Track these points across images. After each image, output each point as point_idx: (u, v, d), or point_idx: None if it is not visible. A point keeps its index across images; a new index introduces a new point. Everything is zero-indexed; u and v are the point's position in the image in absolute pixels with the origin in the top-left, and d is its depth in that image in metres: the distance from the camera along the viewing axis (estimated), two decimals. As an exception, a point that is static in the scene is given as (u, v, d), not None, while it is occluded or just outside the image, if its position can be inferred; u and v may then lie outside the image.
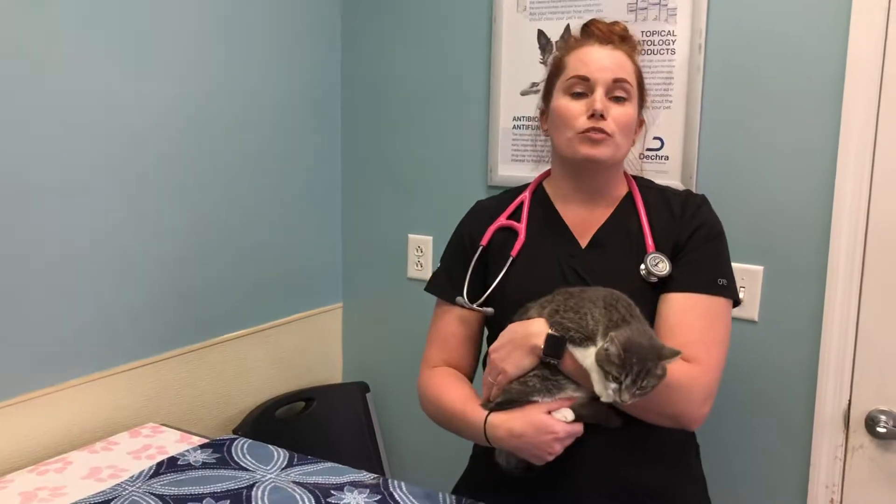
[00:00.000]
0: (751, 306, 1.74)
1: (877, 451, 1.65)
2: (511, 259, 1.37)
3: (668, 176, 1.79)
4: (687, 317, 1.26)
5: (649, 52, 1.79)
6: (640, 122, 1.41)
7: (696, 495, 1.41)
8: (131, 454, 1.53)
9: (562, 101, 1.33)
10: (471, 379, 1.44)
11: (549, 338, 1.19)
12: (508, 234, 1.41)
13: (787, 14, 1.64)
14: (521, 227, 1.40)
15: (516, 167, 1.98)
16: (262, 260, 2.05)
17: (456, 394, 1.35)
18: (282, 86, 2.05)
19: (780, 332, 1.72)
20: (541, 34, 1.91)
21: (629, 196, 1.40)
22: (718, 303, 1.29)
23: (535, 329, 1.22)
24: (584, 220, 1.39)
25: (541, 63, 1.92)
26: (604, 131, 1.29)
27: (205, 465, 1.44)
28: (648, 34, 1.79)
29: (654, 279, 1.29)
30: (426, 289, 1.50)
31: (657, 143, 1.81)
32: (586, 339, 1.18)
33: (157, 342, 1.78)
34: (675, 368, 1.18)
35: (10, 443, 1.50)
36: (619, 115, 1.31)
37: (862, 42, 1.56)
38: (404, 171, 2.18)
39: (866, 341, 1.63)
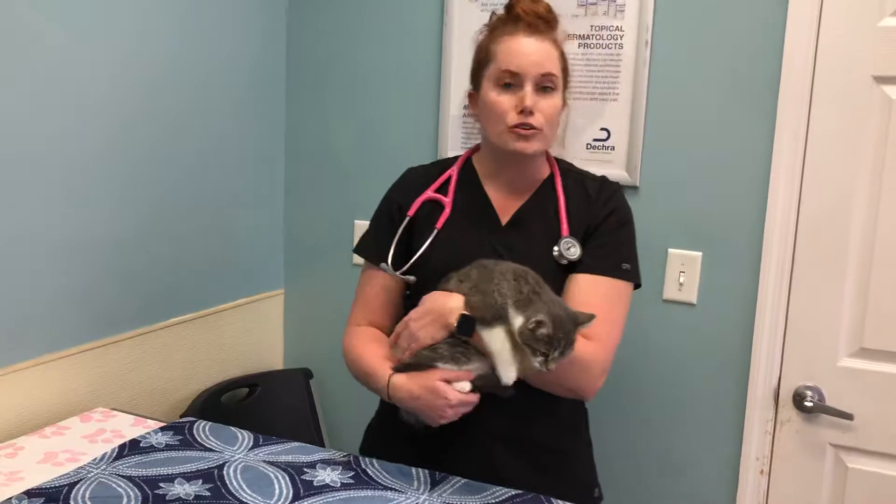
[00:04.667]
0: (690, 290, 1.84)
1: (803, 424, 1.77)
2: (436, 231, 1.43)
3: (613, 165, 1.88)
4: (591, 297, 1.35)
5: (598, 45, 1.86)
6: (564, 103, 1.45)
7: (584, 455, 1.54)
8: (86, 438, 1.49)
9: (492, 95, 1.38)
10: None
11: (462, 317, 1.26)
12: (435, 206, 1.47)
13: (728, 13, 1.75)
14: (448, 200, 1.46)
15: (466, 154, 2.01)
16: (204, 245, 2.02)
17: (371, 353, 1.42)
18: (224, 69, 2.02)
19: (716, 314, 1.83)
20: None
21: (550, 179, 1.48)
22: (620, 285, 1.40)
23: (451, 305, 1.28)
24: (506, 199, 1.46)
25: (491, 53, 1.96)
26: (533, 126, 1.35)
27: (168, 447, 1.42)
28: (597, 28, 1.86)
29: (565, 262, 1.39)
30: (354, 249, 1.57)
31: (604, 134, 1.89)
32: (495, 320, 1.24)
33: (101, 326, 1.73)
34: (577, 345, 1.26)
35: (-46, 429, 1.44)
36: (546, 107, 1.36)
37: (796, 43, 1.68)
38: (351, 156, 2.19)
39: (795, 323, 1.76)
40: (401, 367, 1.34)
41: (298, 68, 2.23)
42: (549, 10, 1.42)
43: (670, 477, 1.91)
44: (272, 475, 1.32)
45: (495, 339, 1.25)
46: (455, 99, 2.02)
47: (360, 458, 1.40)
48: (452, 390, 1.26)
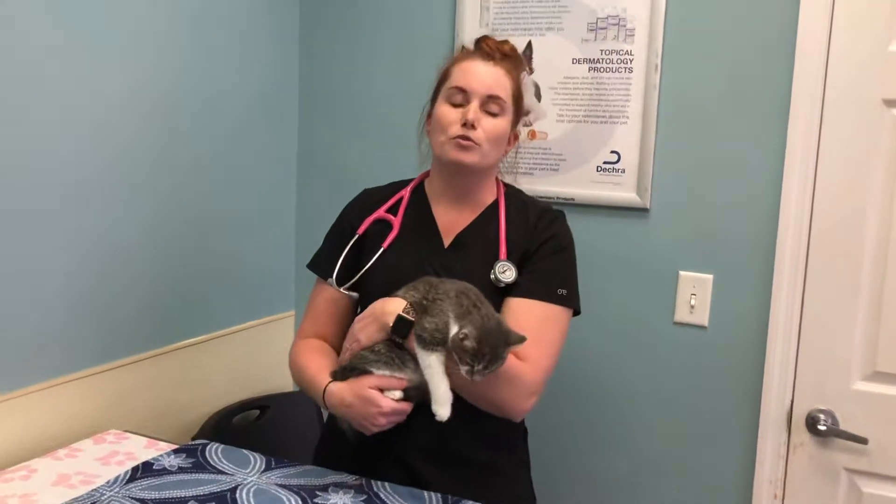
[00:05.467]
0: (701, 312, 1.84)
1: (816, 448, 1.76)
2: (381, 250, 1.48)
3: (623, 188, 1.89)
4: (524, 320, 1.36)
5: (608, 69, 1.88)
6: (515, 136, 1.52)
7: (519, 475, 1.53)
8: (99, 460, 1.49)
9: (442, 108, 1.44)
10: (338, 353, 1.51)
11: (398, 318, 1.28)
12: (384, 225, 1.51)
13: (738, 38, 1.76)
14: (396, 221, 1.50)
15: (477, 177, 2.03)
16: (216, 267, 2.03)
17: (313, 363, 1.45)
18: (238, 91, 2.04)
19: (728, 337, 1.82)
20: (503, 49, 1.97)
21: (495, 204, 1.51)
22: (555, 310, 1.41)
23: (391, 308, 1.31)
24: (451, 222, 1.49)
25: (502, 77, 1.98)
26: (472, 140, 1.39)
27: (181, 470, 1.42)
28: (607, 52, 1.87)
29: (501, 285, 1.40)
30: (307, 265, 1.59)
31: (614, 157, 1.90)
32: (434, 343, 1.25)
33: (114, 349, 1.74)
34: (507, 363, 1.28)
35: (-31, 451, 1.45)
36: (489, 126, 1.41)
37: (806, 67, 1.69)
38: (362, 178, 2.18)
39: (807, 345, 1.75)
40: (337, 372, 1.37)
41: (311, 90, 2.25)
42: (513, 49, 1.50)
43: (684, 501, 1.90)
44: (284, 498, 1.32)
45: (432, 366, 1.26)
46: (466, 122, 2.03)
47: (373, 482, 1.39)
48: (385, 398, 1.28)
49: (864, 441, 1.69)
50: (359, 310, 1.51)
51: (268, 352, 2.24)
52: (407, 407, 1.29)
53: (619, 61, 1.87)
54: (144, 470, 1.41)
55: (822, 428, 1.73)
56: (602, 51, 1.88)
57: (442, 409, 1.25)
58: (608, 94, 1.89)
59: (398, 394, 1.29)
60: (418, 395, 1.29)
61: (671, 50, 1.82)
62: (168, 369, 1.89)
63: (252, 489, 1.35)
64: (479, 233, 1.47)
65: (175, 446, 1.56)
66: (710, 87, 1.80)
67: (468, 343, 1.21)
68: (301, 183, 2.29)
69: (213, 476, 1.40)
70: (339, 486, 1.37)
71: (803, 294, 1.74)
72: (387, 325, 1.30)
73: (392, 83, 2.14)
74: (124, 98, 1.71)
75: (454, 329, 1.24)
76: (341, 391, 1.33)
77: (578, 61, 1.90)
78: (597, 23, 1.88)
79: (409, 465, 1.42)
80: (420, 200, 1.53)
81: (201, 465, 1.45)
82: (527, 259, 1.43)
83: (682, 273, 1.85)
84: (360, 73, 2.18)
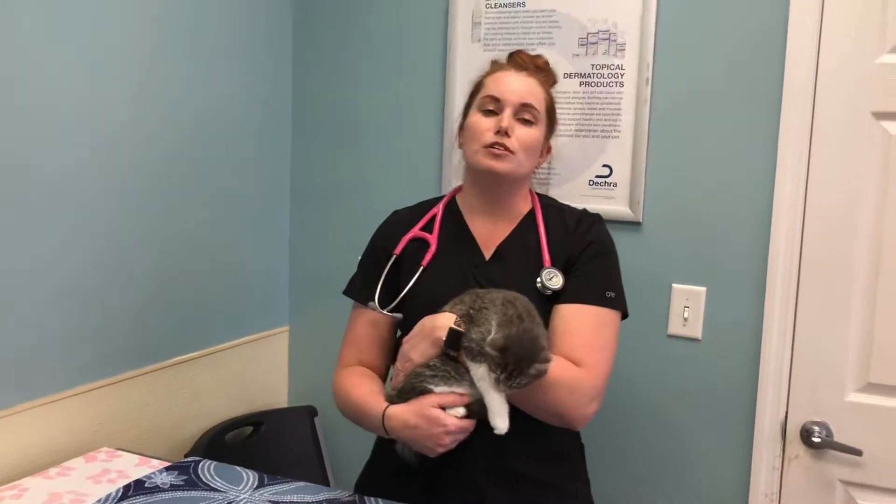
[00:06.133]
0: (694, 325, 1.84)
1: (811, 460, 1.76)
2: (422, 268, 1.46)
3: (615, 202, 1.89)
4: (574, 324, 1.37)
5: (599, 84, 1.89)
6: (548, 149, 1.52)
7: (579, 492, 1.51)
8: (90, 479, 1.48)
9: (474, 117, 1.44)
10: (383, 378, 1.51)
11: (450, 331, 1.26)
12: (421, 244, 1.50)
13: (728, 52, 1.77)
14: (433, 238, 1.49)
15: (470, 192, 2.03)
16: (210, 282, 2.03)
17: (362, 389, 1.43)
18: (229, 105, 2.05)
19: (721, 349, 1.82)
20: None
21: (531, 213, 1.50)
22: (605, 313, 1.40)
23: (441, 322, 1.29)
24: (489, 233, 1.48)
25: (494, 92, 1.99)
26: (507, 148, 1.39)
27: (174, 487, 1.41)
28: (598, 67, 1.88)
29: (548, 292, 1.39)
30: (343, 292, 1.58)
31: (606, 171, 1.90)
32: (481, 355, 1.22)
33: (106, 366, 1.73)
34: (562, 369, 1.28)
35: (-41, 470, 1.44)
36: (523, 135, 1.41)
37: (796, 79, 1.70)
38: (356, 194, 2.21)
39: (801, 358, 1.75)
40: (394, 395, 1.33)
41: (304, 108, 2.26)
42: (546, 63, 1.51)
43: (679, 514, 1.89)
44: (277, 515, 1.31)
45: (485, 377, 1.22)
46: (458, 137, 2.04)
47: (366, 498, 1.39)
48: (449, 416, 1.25)
49: (858, 453, 1.69)
50: (398, 333, 1.50)
51: (262, 368, 2.24)
52: (471, 424, 1.26)
53: (610, 76, 1.88)
54: (136, 488, 1.40)
55: (816, 440, 1.73)
56: (593, 65, 1.89)
57: (500, 421, 1.22)
58: (600, 108, 1.89)
59: (461, 410, 1.25)
60: (480, 411, 1.25)
61: (662, 64, 1.83)
62: (161, 386, 1.88)
63: (245, 506, 1.34)
64: (519, 242, 1.46)
65: (167, 464, 1.55)
66: (700, 100, 1.80)
67: (489, 350, 1.19)
68: (295, 198, 2.29)
69: (205, 493, 1.39)
70: (331, 503, 1.37)
71: (796, 306, 1.75)
72: (439, 339, 1.27)
73: (385, 97, 2.15)
74: (112, 117, 1.70)
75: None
76: (403, 413, 1.29)
77: (570, 76, 1.91)
78: (587, 38, 1.89)
79: (467, 484, 1.38)
80: (454, 215, 1.52)
81: (194, 483, 1.44)
82: (571, 265, 1.42)
83: (675, 286, 1.85)
84: (353, 88, 2.18)
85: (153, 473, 1.47)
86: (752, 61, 1.75)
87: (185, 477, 1.46)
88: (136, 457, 1.60)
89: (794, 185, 1.72)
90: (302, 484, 1.45)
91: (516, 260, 1.45)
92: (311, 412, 2.24)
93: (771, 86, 1.73)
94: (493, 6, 1.98)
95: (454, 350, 1.26)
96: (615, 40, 1.86)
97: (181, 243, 1.92)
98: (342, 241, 2.23)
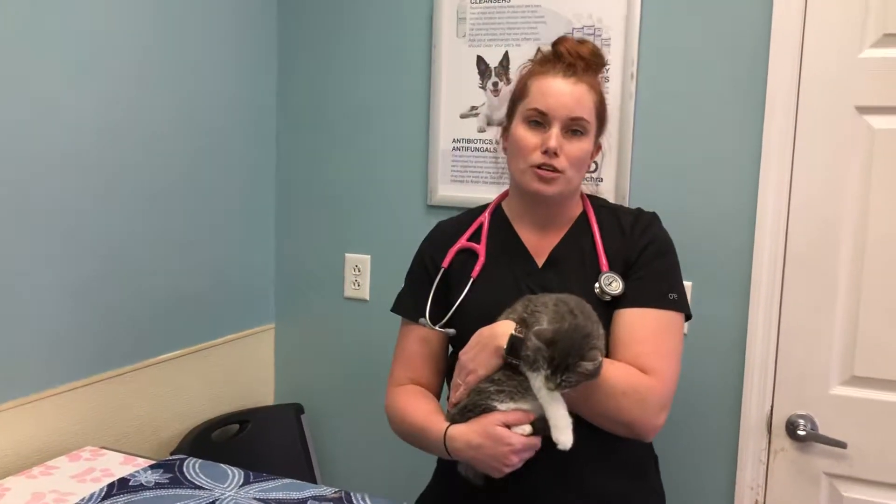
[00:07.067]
0: (680, 320, 1.84)
1: (796, 452, 1.77)
2: (472, 280, 1.41)
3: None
4: (639, 330, 1.31)
5: (584, 79, 1.89)
6: (598, 148, 1.45)
7: None
8: (74, 478, 1.47)
9: (520, 130, 1.36)
10: (437, 396, 1.47)
11: (511, 338, 1.21)
12: (469, 255, 1.45)
13: (712, 47, 1.77)
14: (481, 248, 1.44)
15: (456, 188, 2.03)
16: (194, 279, 2.01)
17: (419, 409, 1.38)
18: (214, 102, 2.03)
19: (707, 344, 1.83)
20: (480, 60, 1.98)
21: (583, 216, 1.45)
22: (669, 316, 1.34)
23: (500, 330, 1.25)
24: (540, 240, 1.43)
25: (480, 88, 1.99)
26: (555, 169, 1.33)
27: (158, 486, 1.40)
28: (584, 63, 1.88)
29: (608, 298, 1.34)
30: (392, 309, 1.52)
31: (592, 166, 1.90)
32: (535, 362, 1.18)
33: (90, 364, 1.72)
34: (630, 377, 1.24)
35: (-59, 470, 1.42)
36: (572, 150, 1.34)
37: (779, 75, 1.71)
38: (342, 189, 2.20)
39: (786, 351, 1.76)
40: (455, 414, 1.28)
41: (288, 103, 2.24)
42: (594, 52, 1.40)
43: (665, 508, 1.89)
44: (263, 513, 1.31)
45: (543, 388, 1.18)
46: (444, 133, 2.04)
47: (352, 494, 1.38)
48: (515, 435, 1.20)
49: (843, 445, 1.70)
50: (450, 349, 1.46)
51: (247, 366, 2.22)
52: (538, 442, 1.21)
53: (595, 71, 1.88)
54: (121, 486, 1.39)
55: (801, 433, 1.73)
56: (578, 60, 1.89)
57: (563, 435, 1.17)
58: (585, 103, 1.89)
59: (527, 428, 1.21)
60: (546, 427, 1.20)
61: (647, 59, 1.83)
62: (146, 384, 1.87)
63: (230, 504, 1.33)
64: (573, 247, 1.40)
65: (152, 462, 1.54)
66: (685, 96, 1.81)
67: (531, 342, 1.14)
68: (280, 195, 2.28)
69: (190, 491, 1.38)
70: (317, 500, 1.36)
71: (781, 301, 1.75)
72: (500, 347, 1.22)
73: (370, 93, 2.14)
74: (96, 114, 1.69)
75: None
76: (466, 433, 1.24)
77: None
78: (572, 33, 1.88)
79: (535, 502, 1.32)
80: (502, 223, 1.47)
81: (178, 481, 1.43)
82: (629, 267, 1.37)
83: (660, 281, 1.85)
84: (337, 84, 2.18)
85: (138, 472, 1.46)
86: (736, 56, 1.76)
87: (169, 475, 1.45)
88: (121, 455, 1.59)
89: (779, 179, 1.73)
90: (287, 481, 1.45)
91: (572, 266, 1.39)
92: (298, 409, 2.24)
93: (755, 81, 1.73)
94: (478, 1, 1.97)
95: (516, 358, 1.20)
96: (600, 35, 1.86)
97: (166, 241, 1.91)
98: (328, 238, 2.22)
